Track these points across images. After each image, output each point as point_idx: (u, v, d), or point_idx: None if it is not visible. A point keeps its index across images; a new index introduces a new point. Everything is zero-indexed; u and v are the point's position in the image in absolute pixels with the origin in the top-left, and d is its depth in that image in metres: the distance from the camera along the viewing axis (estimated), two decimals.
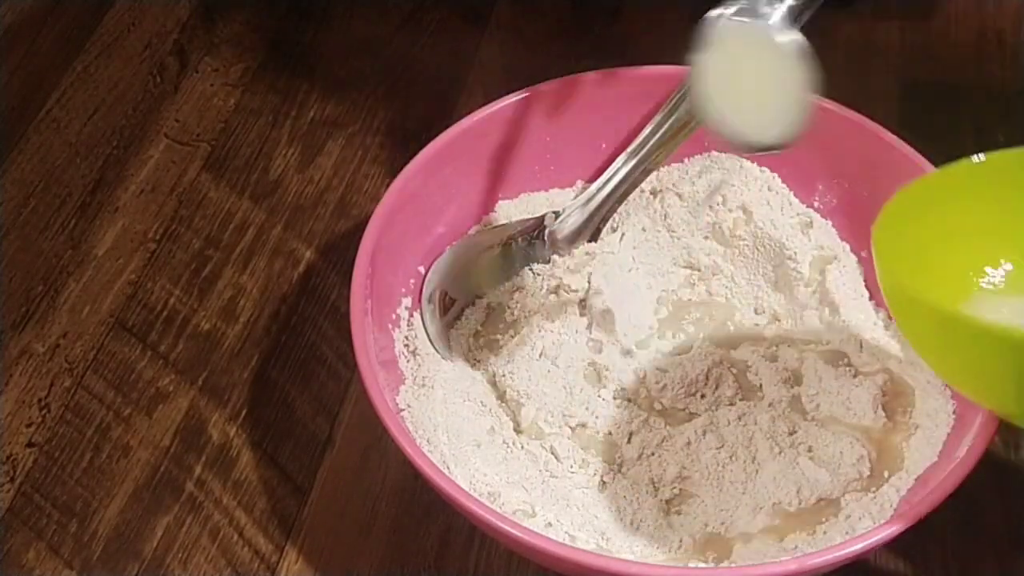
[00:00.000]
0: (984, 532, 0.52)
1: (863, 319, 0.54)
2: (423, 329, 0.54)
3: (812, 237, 0.56)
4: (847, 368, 0.53)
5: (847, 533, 0.47)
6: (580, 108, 0.58)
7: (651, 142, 0.55)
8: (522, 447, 0.51)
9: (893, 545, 0.51)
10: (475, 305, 0.56)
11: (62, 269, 0.62)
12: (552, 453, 0.51)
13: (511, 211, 0.59)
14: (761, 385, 0.53)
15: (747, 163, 0.58)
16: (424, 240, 0.56)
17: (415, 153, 0.55)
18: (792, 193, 0.58)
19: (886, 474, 0.49)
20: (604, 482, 0.50)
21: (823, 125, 0.56)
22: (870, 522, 0.47)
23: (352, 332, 0.48)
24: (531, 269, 0.57)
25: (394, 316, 0.54)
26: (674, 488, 0.50)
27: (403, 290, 0.54)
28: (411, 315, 0.55)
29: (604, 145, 0.59)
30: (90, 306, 0.61)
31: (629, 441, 0.52)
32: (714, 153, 0.58)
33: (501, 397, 0.53)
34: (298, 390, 0.57)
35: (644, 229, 0.58)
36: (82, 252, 0.63)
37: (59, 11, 0.74)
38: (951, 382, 0.48)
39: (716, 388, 0.53)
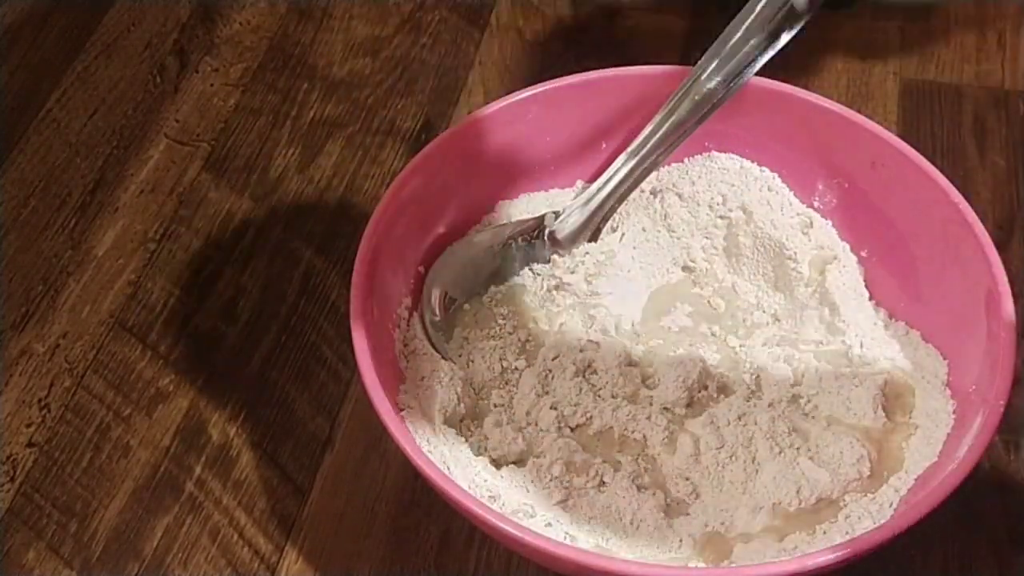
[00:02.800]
0: (984, 532, 0.52)
1: (863, 319, 0.54)
2: (423, 329, 0.54)
3: (812, 237, 0.56)
4: (847, 368, 0.53)
5: (847, 533, 0.47)
6: (580, 108, 0.58)
7: (651, 142, 0.55)
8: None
9: (893, 545, 0.51)
10: (474, 305, 0.56)
11: (62, 269, 0.62)
12: (552, 453, 0.51)
13: (511, 211, 0.59)
14: (761, 385, 0.53)
15: (747, 163, 0.58)
16: (424, 240, 0.56)
17: (415, 153, 0.55)
18: (792, 193, 0.58)
19: (886, 474, 0.49)
20: (604, 482, 0.50)
21: (823, 125, 0.56)
22: (870, 522, 0.47)
23: (352, 332, 0.48)
24: (531, 269, 0.57)
25: (394, 316, 0.54)
26: (674, 488, 0.50)
27: (403, 290, 0.54)
28: (411, 315, 0.55)
29: (604, 145, 0.59)
30: (90, 306, 0.61)
31: (628, 441, 0.52)
32: (714, 153, 0.58)
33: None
34: (298, 390, 0.57)
35: (644, 229, 0.58)
36: (82, 252, 0.63)
37: (59, 11, 0.74)
38: None
39: (716, 388, 0.53)
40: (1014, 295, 0.49)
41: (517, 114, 0.57)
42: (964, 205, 0.52)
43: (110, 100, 0.70)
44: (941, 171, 0.53)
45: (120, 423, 0.56)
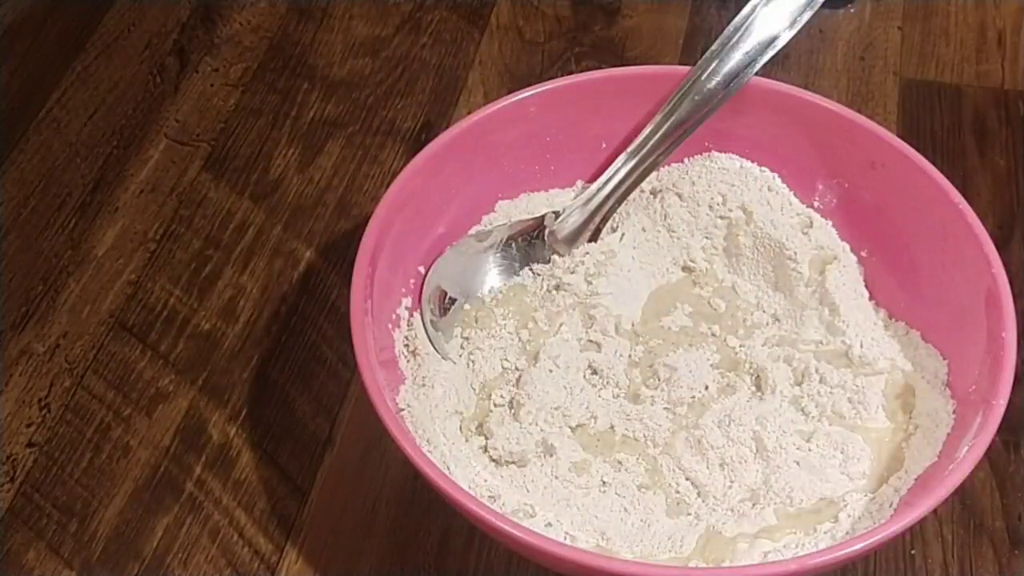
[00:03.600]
0: (984, 532, 0.52)
1: (863, 319, 0.54)
2: (423, 329, 0.54)
3: (812, 237, 0.56)
4: (847, 368, 0.53)
5: (847, 533, 0.47)
6: (580, 108, 0.58)
7: (651, 142, 0.55)
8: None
9: (893, 545, 0.52)
10: (475, 305, 0.56)
11: (62, 269, 0.62)
12: (552, 453, 0.51)
13: (511, 211, 0.59)
14: (761, 385, 0.53)
15: (747, 163, 0.58)
16: (424, 240, 0.56)
17: (415, 153, 0.55)
18: (792, 193, 0.58)
19: (886, 474, 0.49)
20: (604, 482, 0.50)
21: (823, 125, 0.56)
22: (870, 522, 0.47)
23: (352, 332, 0.48)
24: (531, 269, 0.57)
25: (394, 316, 0.54)
26: (676, 488, 0.50)
27: (403, 290, 0.54)
28: (411, 315, 0.55)
29: (604, 145, 0.59)
30: (90, 306, 0.61)
31: (629, 441, 0.52)
32: (714, 153, 0.58)
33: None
34: (298, 390, 0.57)
35: (644, 229, 0.58)
36: (82, 252, 0.63)
37: (59, 11, 0.74)
38: None
39: (716, 388, 0.53)
40: (1014, 295, 0.49)
41: (517, 114, 0.57)
42: (964, 205, 0.52)
43: (110, 100, 0.70)
44: (941, 171, 0.53)
45: (120, 423, 0.56)
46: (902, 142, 0.54)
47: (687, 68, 0.55)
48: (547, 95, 0.57)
